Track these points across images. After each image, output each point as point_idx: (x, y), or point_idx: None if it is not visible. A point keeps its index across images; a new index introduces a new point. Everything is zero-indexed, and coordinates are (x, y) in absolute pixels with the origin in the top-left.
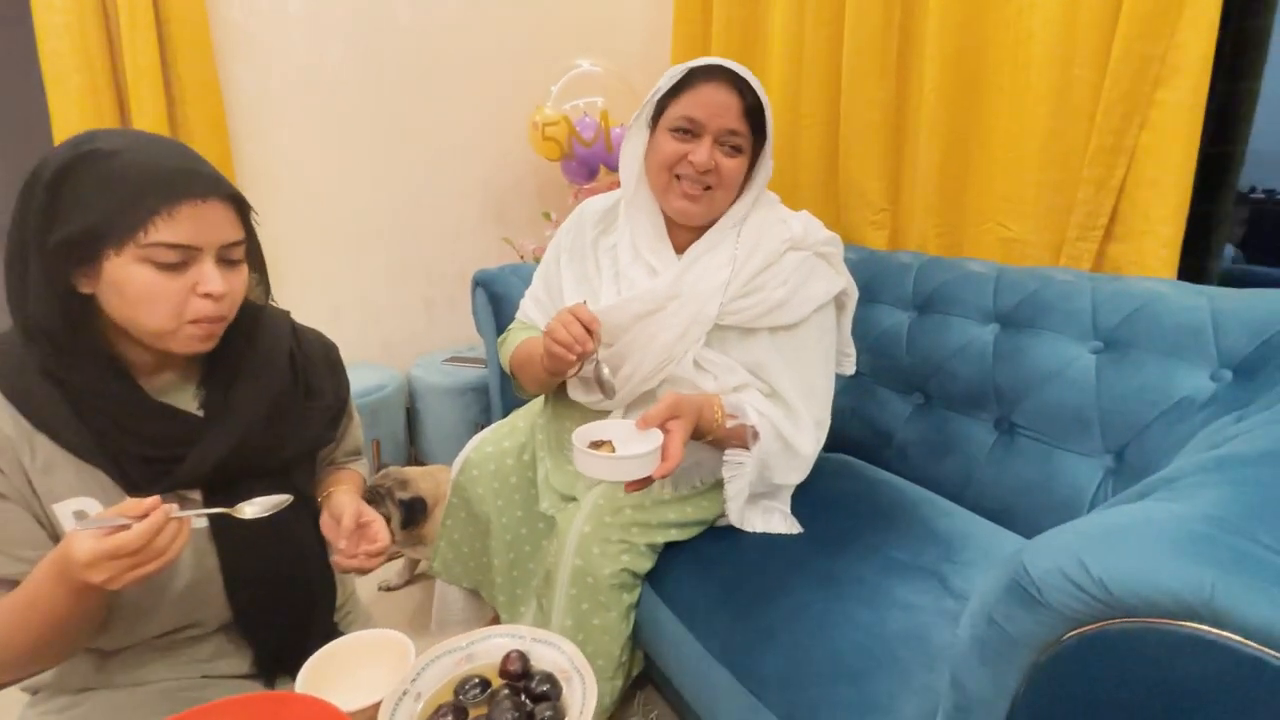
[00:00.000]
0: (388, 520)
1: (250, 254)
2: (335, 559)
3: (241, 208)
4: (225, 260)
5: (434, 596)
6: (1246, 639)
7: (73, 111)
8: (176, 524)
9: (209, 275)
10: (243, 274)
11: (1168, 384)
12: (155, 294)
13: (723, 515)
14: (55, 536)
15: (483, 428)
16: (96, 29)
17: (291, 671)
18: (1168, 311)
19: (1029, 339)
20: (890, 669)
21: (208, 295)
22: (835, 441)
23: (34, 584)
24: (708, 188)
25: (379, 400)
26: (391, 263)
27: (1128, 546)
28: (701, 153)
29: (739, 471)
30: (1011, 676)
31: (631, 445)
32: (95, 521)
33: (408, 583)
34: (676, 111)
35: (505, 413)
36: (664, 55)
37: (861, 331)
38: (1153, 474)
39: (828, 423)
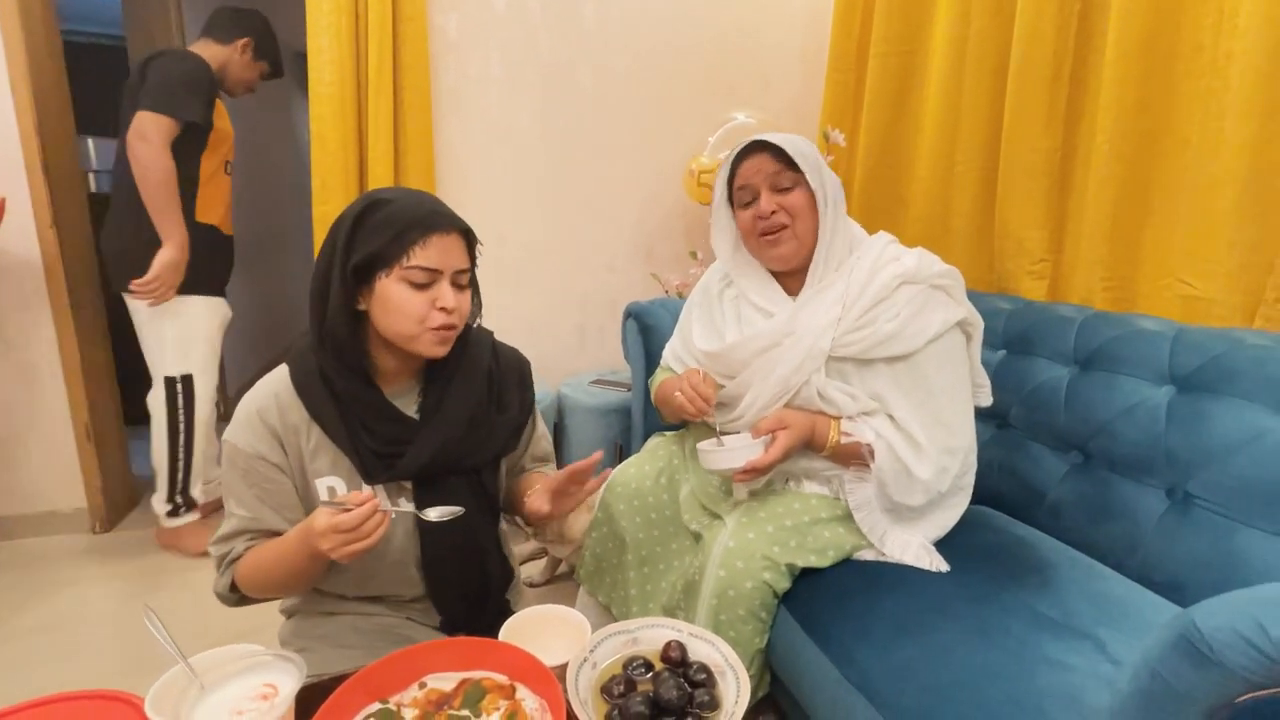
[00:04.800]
0: None
1: (472, 280)
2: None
3: (470, 241)
4: (456, 284)
5: (575, 601)
6: None
7: (328, 160)
8: (381, 515)
9: (446, 293)
10: (468, 296)
11: None
12: (407, 306)
13: (862, 548)
14: (310, 504)
15: (622, 446)
16: (351, 97)
17: (468, 634)
18: None
19: (1211, 405)
20: None
21: (443, 309)
22: (981, 494)
23: (287, 540)
24: (783, 227)
25: None
26: (552, 291)
27: None
28: (763, 203)
29: (859, 484)
30: None
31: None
32: (331, 503)
33: (547, 581)
34: (736, 185)
35: (646, 434)
36: (815, 104)
37: (1015, 384)
38: None
39: (964, 450)
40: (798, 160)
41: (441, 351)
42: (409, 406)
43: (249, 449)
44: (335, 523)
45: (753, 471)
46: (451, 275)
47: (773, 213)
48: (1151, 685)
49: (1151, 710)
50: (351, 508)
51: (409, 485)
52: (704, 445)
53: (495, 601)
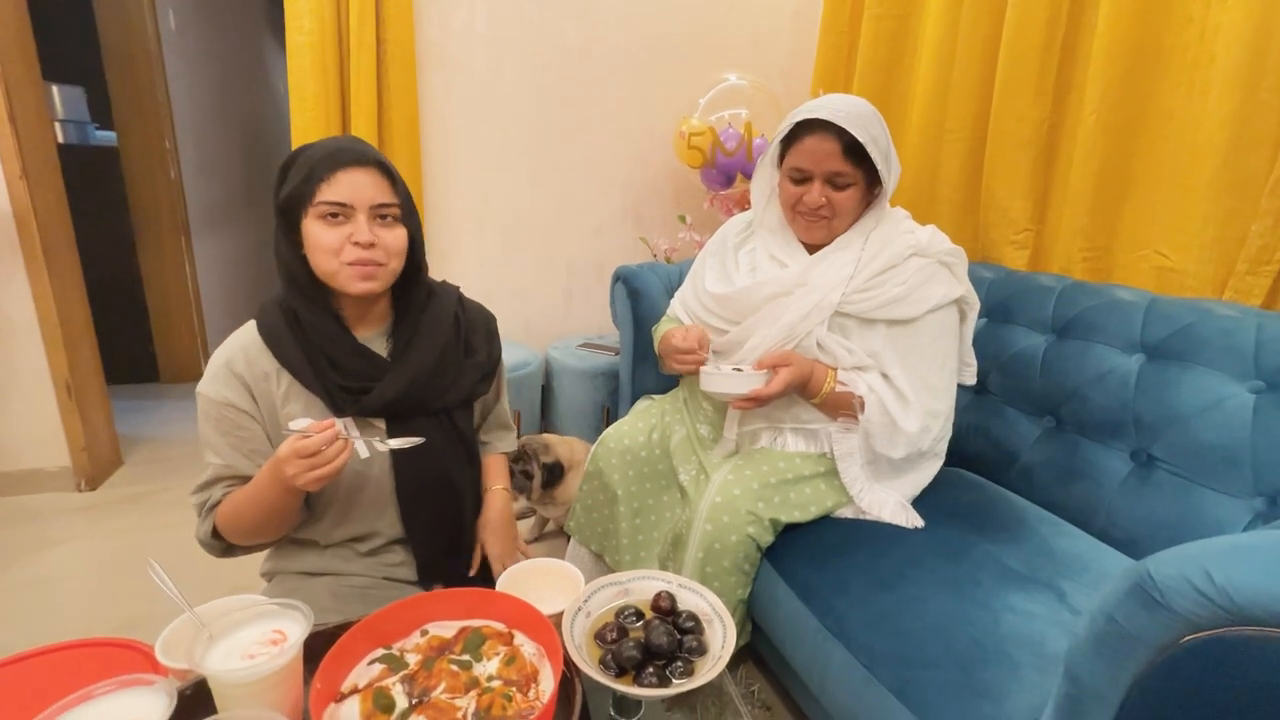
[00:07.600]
0: (530, 479)
1: (407, 216)
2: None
3: (391, 176)
4: (379, 219)
5: (565, 554)
6: None
7: (308, 114)
8: (343, 443)
9: (360, 227)
10: (398, 232)
11: None
12: (323, 241)
13: (843, 505)
14: None
15: (609, 409)
16: (332, 48)
17: (443, 582)
18: None
19: (1178, 372)
20: (1001, 664)
21: (358, 243)
22: (958, 456)
23: (259, 478)
24: (824, 217)
25: (522, 376)
26: (538, 254)
27: (1253, 561)
28: (813, 194)
29: (846, 434)
30: (1126, 672)
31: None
32: (294, 431)
33: (536, 539)
34: (790, 162)
35: (634, 397)
36: (808, 68)
37: (994, 350)
38: None
39: (945, 415)
40: (871, 154)
41: (365, 288)
42: (381, 349)
43: (218, 397)
44: (298, 448)
45: (752, 400)
46: (369, 210)
47: (819, 206)
48: (1106, 628)
49: (1105, 651)
50: (314, 435)
51: (382, 426)
52: (707, 369)
53: (468, 548)
